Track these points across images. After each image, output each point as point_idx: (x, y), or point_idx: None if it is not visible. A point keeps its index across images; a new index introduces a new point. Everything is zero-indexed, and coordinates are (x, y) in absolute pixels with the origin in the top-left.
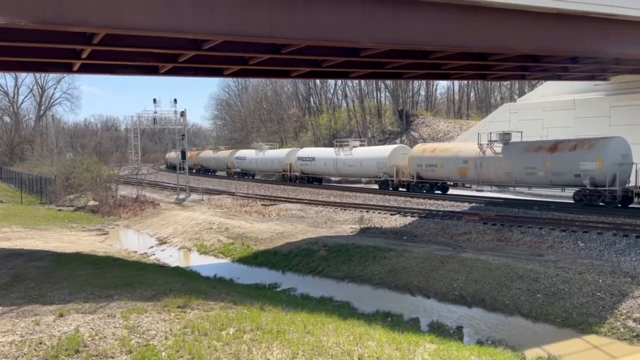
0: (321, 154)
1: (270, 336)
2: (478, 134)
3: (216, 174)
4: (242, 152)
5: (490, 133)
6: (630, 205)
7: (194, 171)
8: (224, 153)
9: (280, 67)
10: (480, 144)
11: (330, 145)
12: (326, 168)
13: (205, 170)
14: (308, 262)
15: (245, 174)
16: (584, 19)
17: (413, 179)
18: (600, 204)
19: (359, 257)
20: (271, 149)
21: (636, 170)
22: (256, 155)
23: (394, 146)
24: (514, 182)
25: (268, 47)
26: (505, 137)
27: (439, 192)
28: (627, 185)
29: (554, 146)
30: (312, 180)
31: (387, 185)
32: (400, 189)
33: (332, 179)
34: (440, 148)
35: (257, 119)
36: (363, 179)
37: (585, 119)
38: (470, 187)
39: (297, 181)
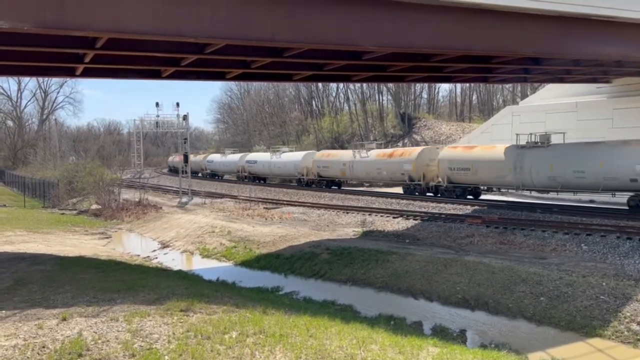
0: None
1: (273, 340)
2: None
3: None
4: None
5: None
6: None
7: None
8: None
9: (282, 71)
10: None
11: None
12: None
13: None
14: (310, 265)
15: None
16: (586, 21)
17: (315, 177)
18: None
19: (362, 261)
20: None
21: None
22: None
23: (305, 152)
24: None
25: (270, 51)
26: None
27: (335, 187)
28: None
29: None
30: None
31: (301, 182)
32: (308, 185)
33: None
34: (332, 154)
35: (259, 123)
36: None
37: (587, 122)
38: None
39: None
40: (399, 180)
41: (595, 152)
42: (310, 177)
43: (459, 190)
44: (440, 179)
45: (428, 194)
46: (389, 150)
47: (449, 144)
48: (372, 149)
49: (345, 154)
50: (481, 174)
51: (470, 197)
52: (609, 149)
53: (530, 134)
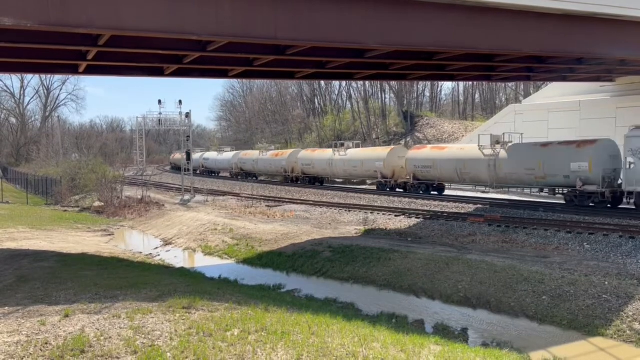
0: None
1: (275, 337)
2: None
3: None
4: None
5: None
6: None
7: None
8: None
9: (285, 69)
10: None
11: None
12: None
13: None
14: (312, 263)
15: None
16: (590, 19)
17: (300, 174)
18: None
19: (364, 259)
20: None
21: None
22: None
23: (291, 151)
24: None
25: (272, 49)
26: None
27: (319, 183)
28: None
29: None
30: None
31: (287, 179)
32: (293, 181)
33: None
34: (315, 152)
35: (261, 120)
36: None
37: (590, 121)
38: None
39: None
40: (372, 177)
41: (540, 151)
42: (296, 174)
43: (424, 186)
44: (408, 176)
45: (398, 189)
46: (364, 149)
47: (453, 142)
48: (350, 147)
49: (327, 153)
50: (440, 171)
51: (435, 192)
52: (549, 149)
53: (491, 135)
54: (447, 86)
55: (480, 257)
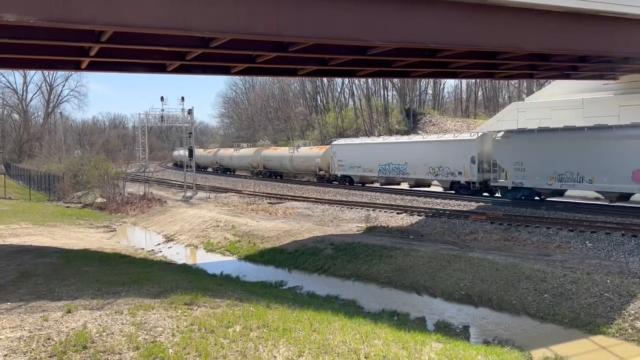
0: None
1: (277, 334)
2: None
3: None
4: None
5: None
6: None
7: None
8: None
9: (287, 66)
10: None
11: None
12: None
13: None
14: (314, 260)
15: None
16: (594, 17)
17: (263, 169)
18: None
19: (365, 256)
20: (248, 147)
21: None
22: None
23: (255, 149)
24: None
25: (275, 46)
26: None
27: (279, 177)
28: None
29: None
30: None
31: (253, 173)
32: (257, 175)
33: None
34: (275, 150)
35: (264, 117)
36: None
37: (594, 119)
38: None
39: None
40: (313, 171)
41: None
42: (259, 169)
43: (348, 179)
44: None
45: (334, 182)
46: (310, 148)
47: None
48: (300, 146)
49: (284, 150)
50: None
51: (359, 184)
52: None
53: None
54: (449, 84)
55: (482, 254)
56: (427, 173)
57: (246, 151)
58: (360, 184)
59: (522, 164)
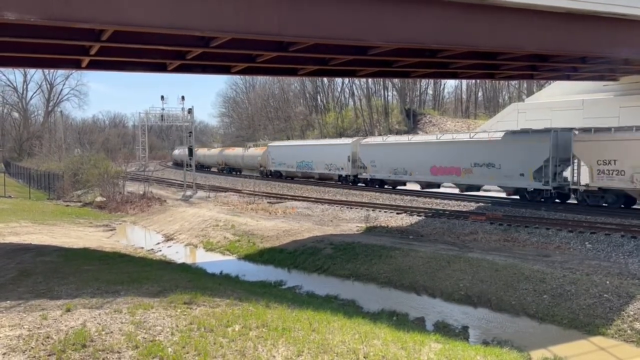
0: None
1: (276, 333)
2: None
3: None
4: (200, 151)
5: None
6: None
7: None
8: (180, 150)
9: (288, 65)
10: (243, 148)
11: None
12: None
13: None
14: (314, 260)
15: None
16: (594, 18)
17: (224, 166)
18: None
19: (365, 256)
20: (218, 147)
21: None
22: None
23: (220, 148)
24: None
25: (275, 45)
26: None
27: (237, 172)
28: None
29: None
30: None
31: (218, 169)
32: (220, 171)
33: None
34: (233, 149)
35: (264, 117)
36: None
37: (594, 120)
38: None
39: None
40: (257, 168)
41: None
42: (222, 166)
43: (278, 173)
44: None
45: (270, 177)
46: (255, 148)
47: None
48: (251, 146)
49: (239, 150)
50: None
51: (289, 177)
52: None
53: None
54: (450, 84)
55: (482, 255)
56: (324, 168)
57: (214, 151)
58: (290, 178)
59: (375, 162)
